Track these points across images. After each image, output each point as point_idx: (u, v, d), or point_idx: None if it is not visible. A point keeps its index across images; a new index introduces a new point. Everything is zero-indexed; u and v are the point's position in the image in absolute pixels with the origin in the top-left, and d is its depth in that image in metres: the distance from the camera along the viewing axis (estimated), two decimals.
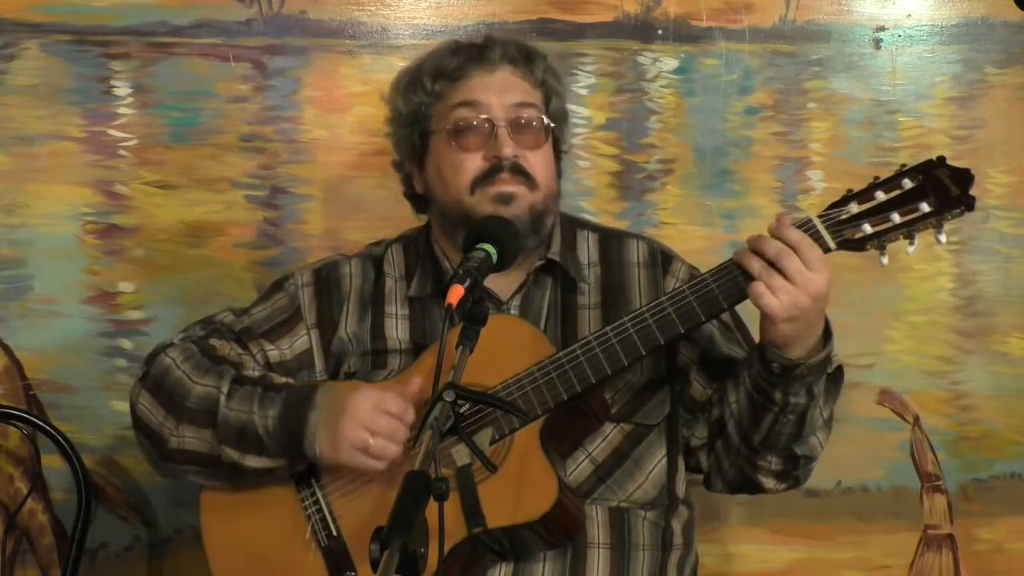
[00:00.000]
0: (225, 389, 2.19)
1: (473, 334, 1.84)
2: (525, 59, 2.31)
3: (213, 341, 2.30)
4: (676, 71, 2.94)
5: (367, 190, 2.87)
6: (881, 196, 2.03)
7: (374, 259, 2.40)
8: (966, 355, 2.99)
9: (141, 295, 2.87)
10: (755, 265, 2.02)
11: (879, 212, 2.02)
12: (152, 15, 2.84)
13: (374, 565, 1.49)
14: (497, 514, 2.09)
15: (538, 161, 2.25)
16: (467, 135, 2.25)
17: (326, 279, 2.38)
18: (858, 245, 2.04)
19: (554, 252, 2.31)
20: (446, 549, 1.96)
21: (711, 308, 2.10)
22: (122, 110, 2.85)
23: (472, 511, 2.09)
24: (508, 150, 2.21)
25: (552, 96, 2.35)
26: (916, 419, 2.99)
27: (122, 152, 2.86)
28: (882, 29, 2.97)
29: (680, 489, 2.32)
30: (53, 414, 2.84)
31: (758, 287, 2.01)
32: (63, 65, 2.83)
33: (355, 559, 2.18)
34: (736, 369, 2.22)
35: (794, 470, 2.25)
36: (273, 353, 2.32)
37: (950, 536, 3.00)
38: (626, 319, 2.13)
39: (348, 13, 2.89)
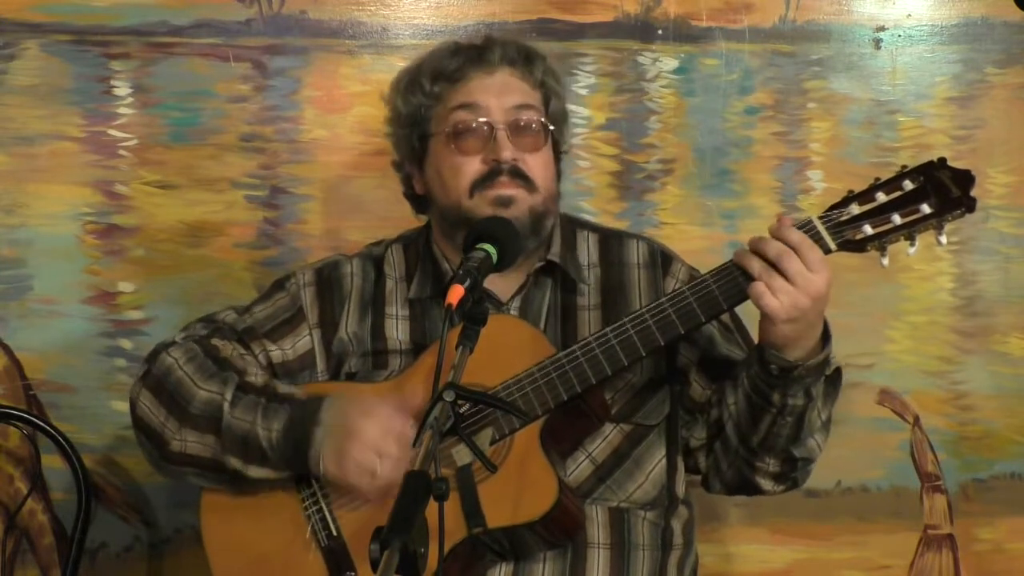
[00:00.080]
0: (229, 396, 2.18)
1: (473, 334, 1.84)
2: (524, 60, 2.31)
3: (216, 341, 2.30)
4: (676, 71, 2.94)
5: (367, 190, 2.87)
6: (882, 197, 2.03)
7: (374, 259, 2.40)
8: (966, 355, 2.99)
9: (141, 295, 2.87)
10: (755, 266, 2.02)
11: (880, 213, 2.02)
12: (152, 15, 2.84)
13: (374, 565, 1.49)
14: (497, 514, 2.09)
15: (537, 164, 2.25)
16: (466, 138, 2.24)
17: (327, 278, 2.38)
18: (859, 246, 2.04)
19: (554, 253, 2.31)
20: (446, 549, 1.96)
21: (711, 309, 2.10)
22: (122, 110, 2.85)
23: (472, 511, 2.09)
24: (507, 153, 2.21)
25: (551, 97, 2.35)
26: (916, 419, 2.99)
27: (122, 152, 2.86)
28: (882, 29, 2.97)
29: (680, 489, 2.32)
30: (53, 414, 2.84)
31: (758, 287, 2.01)
32: (63, 65, 2.83)
33: (355, 559, 2.17)
34: (735, 370, 2.22)
35: (792, 472, 2.25)
36: (275, 353, 2.32)
37: (950, 536, 3.00)
38: (626, 320, 2.13)
39: (348, 13, 2.89)
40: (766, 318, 2.03)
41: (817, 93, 2.96)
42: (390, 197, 2.57)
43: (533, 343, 2.17)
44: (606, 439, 2.23)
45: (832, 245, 2.04)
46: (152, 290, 2.87)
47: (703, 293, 2.10)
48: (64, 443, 2.72)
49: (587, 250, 2.36)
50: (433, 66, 2.30)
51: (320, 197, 2.89)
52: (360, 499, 2.15)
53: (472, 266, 1.90)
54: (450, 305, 1.81)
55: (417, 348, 2.28)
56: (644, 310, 2.13)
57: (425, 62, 2.33)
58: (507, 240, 2.02)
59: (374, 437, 2.07)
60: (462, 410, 1.74)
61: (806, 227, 2.04)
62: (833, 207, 2.05)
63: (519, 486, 2.10)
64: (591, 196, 2.92)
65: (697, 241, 2.91)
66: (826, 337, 2.10)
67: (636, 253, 2.36)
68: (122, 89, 2.85)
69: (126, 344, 2.86)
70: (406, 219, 2.46)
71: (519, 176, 2.22)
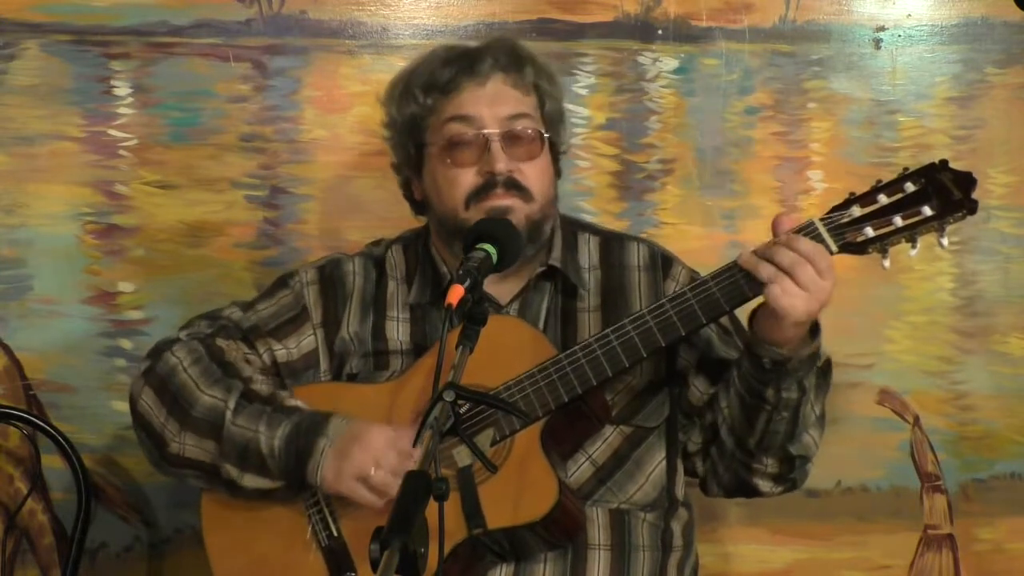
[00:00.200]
0: (232, 404, 2.18)
1: (473, 334, 1.83)
2: (516, 65, 2.29)
3: (220, 342, 2.29)
4: (676, 71, 2.93)
5: (367, 190, 2.87)
6: (883, 199, 2.03)
7: (375, 259, 2.40)
8: (966, 355, 2.99)
9: (141, 295, 2.87)
10: (765, 270, 2.02)
11: (881, 215, 2.03)
12: (152, 15, 2.84)
13: (374, 565, 1.49)
14: (498, 515, 2.09)
15: (533, 172, 2.24)
16: (460, 150, 2.24)
17: (330, 277, 2.38)
18: (860, 248, 2.04)
19: (555, 258, 2.30)
20: (447, 550, 1.97)
21: (712, 311, 2.10)
22: (122, 110, 2.85)
23: (473, 512, 2.10)
24: (501, 165, 2.21)
25: (546, 99, 2.34)
26: (916, 419, 2.99)
27: (122, 152, 2.86)
28: (882, 29, 2.97)
29: (679, 491, 2.32)
30: (53, 414, 2.84)
31: (775, 289, 2.01)
32: (63, 65, 2.83)
33: (355, 559, 2.18)
34: (727, 374, 2.22)
35: (790, 472, 2.26)
36: (280, 352, 2.32)
37: (950, 536, 3.00)
38: (627, 321, 2.13)
39: (348, 13, 2.88)
40: (776, 318, 2.03)
41: (817, 93, 2.96)
42: (390, 197, 2.56)
43: (534, 344, 2.17)
44: (606, 441, 2.23)
45: (834, 247, 2.04)
46: (152, 290, 2.87)
47: (704, 295, 2.10)
48: (64, 443, 2.72)
49: (588, 252, 2.36)
50: (425, 76, 2.29)
51: (320, 197, 2.89)
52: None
53: (472, 266, 1.89)
54: (450, 305, 1.81)
55: (418, 349, 2.28)
56: (645, 311, 2.13)
57: (417, 71, 2.32)
58: (507, 240, 2.01)
59: (377, 448, 2.07)
60: (462, 411, 1.74)
61: (808, 229, 2.04)
62: (834, 209, 2.05)
63: (520, 487, 2.10)
64: (591, 196, 2.92)
65: (697, 241, 2.91)
66: (815, 329, 2.10)
67: (636, 255, 2.36)
68: (122, 89, 2.85)
69: (126, 344, 2.86)
70: (406, 219, 2.45)
71: (515, 187, 2.21)
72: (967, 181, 2.02)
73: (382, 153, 2.52)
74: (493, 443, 2.13)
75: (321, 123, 2.88)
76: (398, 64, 2.48)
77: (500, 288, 2.27)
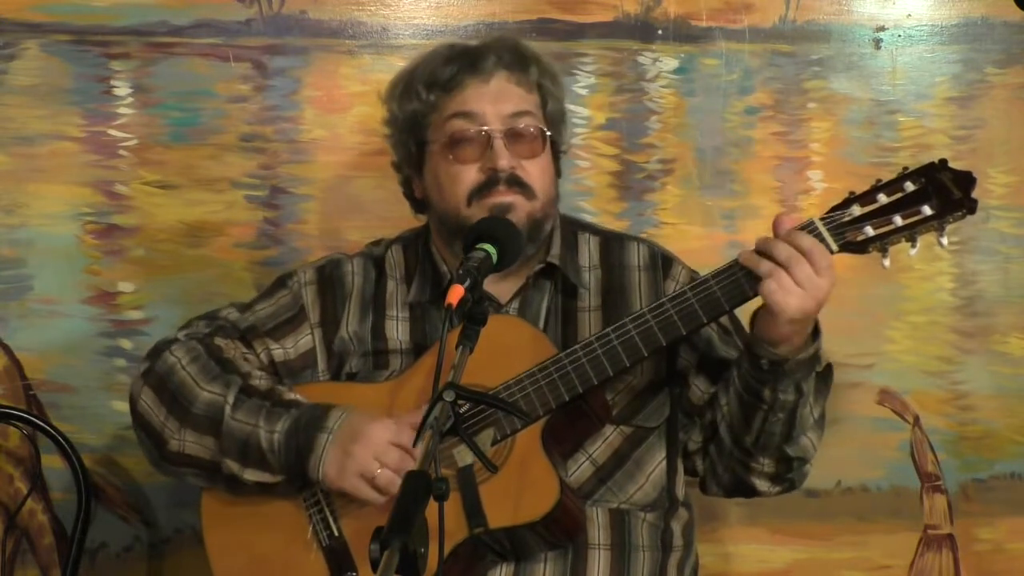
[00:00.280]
0: (231, 399, 2.18)
1: (473, 334, 1.83)
2: (519, 64, 2.30)
3: (219, 341, 2.30)
4: (676, 71, 2.93)
5: (367, 190, 2.87)
6: (883, 199, 2.03)
7: (375, 259, 2.40)
8: (966, 355, 2.99)
9: (141, 295, 2.87)
10: (764, 266, 2.02)
11: (881, 215, 2.03)
12: (152, 15, 2.84)
13: (374, 565, 1.49)
14: (499, 514, 2.09)
15: (535, 170, 2.24)
16: (463, 147, 2.24)
17: (329, 277, 2.38)
18: (860, 247, 2.04)
19: (554, 256, 2.30)
20: (448, 549, 1.97)
21: (712, 310, 2.10)
22: (122, 110, 2.85)
23: (473, 511, 2.10)
24: (504, 162, 2.21)
25: (548, 99, 2.34)
26: (916, 419, 2.99)
27: (122, 152, 2.86)
28: (882, 29, 2.97)
29: (680, 491, 2.32)
30: (53, 414, 2.84)
31: (771, 285, 2.00)
32: (63, 65, 2.83)
33: (356, 559, 2.18)
34: (728, 371, 2.22)
35: (787, 472, 2.26)
36: (278, 352, 2.32)
37: (950, 536, 3.00)
38: (627, 320, 2.13)
39: (348, 13, 2.88)
40: (771, 315, 2.03)
41: (817, 93, 2.96)
42: (390, 197, 2.57)
43: (534, 343, 2.17)
44: (606, 441, 2.23)
45: (834, 246, 2.04)
46: (152, 290, 2.87)
47: (705, 294, 2.10)
48: (64, 443, 2.73)
49: (588, 252, 2.36)
50: (428, 73, 2.29)
51: (320, 197, 2.89)
52: (360, 500, 2.15)
53: (472, 266, 1.89)
54: (450, 305, 1.80)
55: (418, 348, 2.28)
56: (646, 310, 2.13)
57: (419, 68, 2.32)
58: (507, 240, 2.01)
59: (378, 444, 2.07)
60: (463, 410, 1.74)
61: (808, 228, 2.04)
62: (835, 208, 2.05)
63: (520, 486, 2.10)
64: (591, 196, 2.92)
65: (697, 241, 2.91)
66: (815, 332, 2.10)
67: (637, 255, 2.36)
68: (122, 89, 2.85)
69: (126, 344, 2.86)
70: (406, 219, 2.45)
71: (517, 184, 2.22)
72: (967, 180, 2.02)
73: (382, 153, 2.52)
74: (494, 443, 2.13)
75: (321, 123, 2.88)
76: (398, 64, 2.48)
77: (499, 287, 2.27)
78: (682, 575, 2.29)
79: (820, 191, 2.93)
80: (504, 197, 2.20)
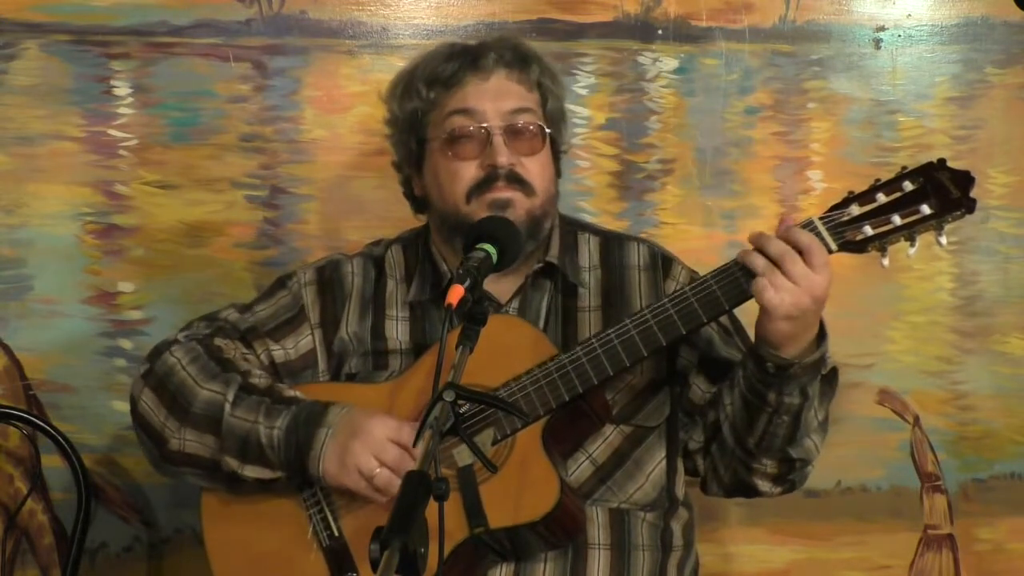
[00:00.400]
0: (231, 397, 2.18)
1: (473, 334, 1.83)
2: (520, 62, 2.30)
3: (218, 341, 2.30)
4: (676, 71, 2.94)
5: (367, 190, 2.87)
6: (882, 198, 2.03)
7: (375, 259, 2.40)
8: (966, 355, 2.99)
9: (141, 295, 2.87)
10: (759, 263, 2.02)
11: (880, 214, 2.02)
12: (152, 15, 2.84)
13: (374, 565, 1.49)
14: (499, 514, 2.09)
15: (534, 167, 2.25)
16: (463, 144, 2.24)
17: (329, 278, 2.38)
18: (859, 247, 2.04)
19: (552, 255, 2.30)
20: (448, 549, 1.98)
21: (712, 309, 2.10)
22: (122, 110, 2.85)
23: (474, 511, 2.10)
24: (503, 158, 2.21)
25: (548, 97, 2.34)
26: (916, 419, 2.99)
27: (122, 152, 2.86)
28: (882, 29, 2.97)
29: (680, 491, 2.32)
30: (53, 414, 2.84)
31: (761, 282, 2.00)
32: (63, 65, 2.83)
33: (356, 559, 2.18)
34: (732, 371, 2.22)
35: (789, 474, 2.25)
36: (278, 352, 2.32)
37: (950, 536, 3.00)
38: (627, 320, 2.13)
39: (348, 13, 2.88)
40: (765, 314, 2.03)
41: (817, 93, 2.96)
42: (390, 197, 2.57)
43: (534, 343, 2.17)
44: (606, 440, 2.23)
45: (833, 246, 2.04)
46: (152, 290, 2.87)
47: (704, 293, 2.10)
48: (64, 443, 2.73)
49: (588, 252, 2.36)
50: (428, 71, 2.29)
51: (320, 197, 2.89)
52: (359, 497, 2.15)
53: (472, 266, 1.89)
54: (450, 305, 1.81)
55: (418, 348, 2.28)
56: (646, 310, 2.13)
57: (420, 66, 2.32)
58: (507, 240, 2.01)
59: (377, 441, 2.07)
60: (463, 410, 1.74)
61: (807, 227, 2.04)
62: (834, 208, 2.05)
63: (521, 486, 2.10)
64: (591, 196, 2.92)
65: (697, 241, 2.91)
66: (822, 336, 2.10)
67: (637, 255, 2.36)
68: (122, 89, 2.85)
69: (126, 344, 2.86)
70: (406, 219, 2.46)
71: (516, 180, 2.22)
72: (965, 180, 2.01)
73: (382, 153, 2.52)
74: (494, 442, 2.13)
75: (321, 123, 2.88)
76: (398, 64, 2.48)
77: (498, 286, 2.27)
78: (682, 575, 2.29)
79: (820, 191, 2.93)
80: (503, 193, 2.20)
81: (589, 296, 2.31)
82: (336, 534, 2.20)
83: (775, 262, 2.00)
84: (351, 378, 2.30)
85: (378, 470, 2.06)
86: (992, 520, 3.01)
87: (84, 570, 2.78)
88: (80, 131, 2.85)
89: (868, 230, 2.03)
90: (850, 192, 2.06)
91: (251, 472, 2.17)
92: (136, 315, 2.87)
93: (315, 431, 2.12)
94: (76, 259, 2.86)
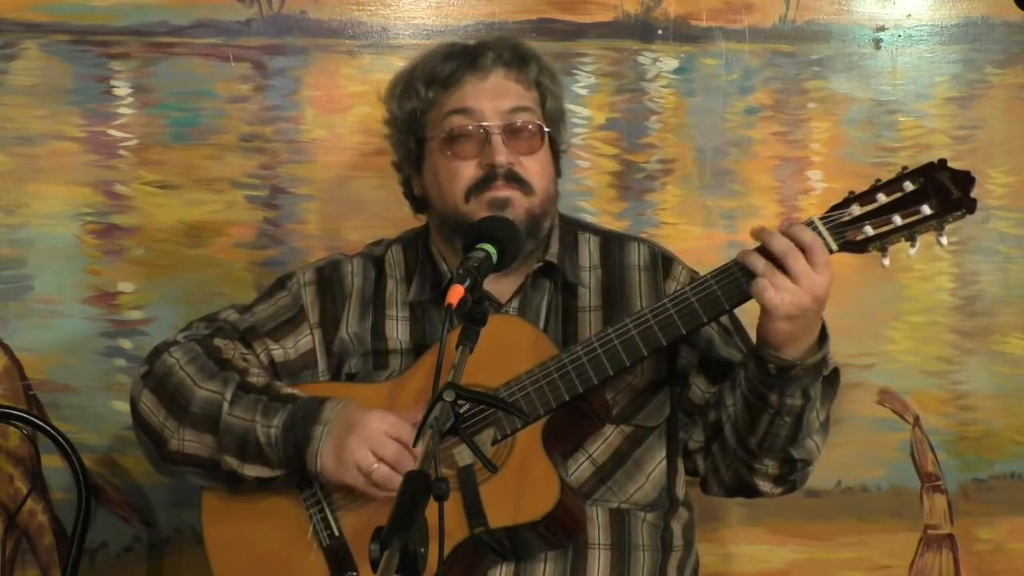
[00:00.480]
0: (229, 396, 2.18)
1: (473, 334, 1.83)
2: (518, 61, 2.30)
3: (218, 341, 2.30)
4: (676, 71, 2.94)
5: (367, 190, 2.87)
6: (882, 198, 2.03)
7: (375, 259, 2.40)
8: (966, 355, 2.99)
9: (141, 295, 2.87)
10: (759, 264, 2.02)
11: (881, 214, 2.02)
12: (152, 15, 2.84)
13: (374, 565, 1.49)
14: (499, 514, 2.09)
15: (533, 166, 2.24)
16: (461, 143, 2.24)
17: (328, 278, 2.38)
18: (860, 247, 2.04)
19: (552, 255, 2.30)
20: (448, 549, 1.98)
21: (712, 309, 2.10)
22: (122, 110, 2.85)
23: (474, 511, 2.09)
24: (501, 158, 2.21)
25: (547, 96, 2.34)
26: (916, 419, 2.99)
27: (122, 152, 2.86)
28: (882, 29, 2.97)
29: (680, 491, 2.32)
30: (53, 414, 2.84)
31: (761, 282, 2.00)
32: (63, 65, 2.83)
33: (357, 559, 2.18)
34: (734, 372, 2.21)
35: (790, 474, 2.25)
36: (277, 352, 2.32)
37: (950, 536, 3.00)
38: (628, 320, 2.13)
39: (348, 13, 2.88)
40: (766, 314, 2.03)
41: (817, 93, 2.96)
42: (390, 197, 2.57)
43: (535, 343, 2.17)
44: (607, 440, 2.23)
45: (834, 246, 2.04)
46: (152, 290, 2.87)
47: (705, 293, 2.09)
48: (64, 443, 2.73)
49: (588, 252, 2.36)
50: (427, 71, 2.29)
51: (320, 197, 2.89)
52: (359, 496, 2.15)
53: (472, 266, 1.89)
54: (450, 305, 1.81)
55: (418, 348, 2.28)
56: (646, 310, 2.12)
57: (419, 66, 2.32)
58: (507, 240, 2.01)
59: (374, 436, 2.07)
60: (463, 410, 1.74)
61: (808, 228, 2.04)
62: (834, 208, 2.05)
63: (521, 486, 2.10)
64: (591, 196, 2.92)
65: (697, 241, 2.91)
66: (823, 337, 2.10)
67: (637, 255, 2.36)
68: (122, 89, 2.85)
69: (126, 344, 2.86)
70: (406, 219, 2.46)
71: (515, 180, 2.22)
72: (966, 180, 2.01)
73: (382, 153, 2.52)
74: (494, 442, 2.13)
75: (321, 123, 2.88)
76: (398, 64, 2.48)
77: (498, 286, 2.27)
78: (682, 575, 2.29)
79: (820, 191, 2.93)
80: (502, 192, 2.20)
81: (589, 296, 2.31)
82: (336, 534, 2.20)
83: (778, 258, 2.00)
84: (351, 378, 2.30)
85: (376, 465, 2.06)
86: (992, 520, 3.01)
87: (84, 570, 2.78)
88: (80, 131, 2.85)
89: (869, 230, 2.03)
90: (850, 192, 2.06)
91: (250, 471, 2.17)
92: (136, 315, 2.87)
93: (312, 428, 2.12)
94: (76, 259, 2.86)
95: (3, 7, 2.81)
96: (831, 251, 2.03)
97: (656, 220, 2.93)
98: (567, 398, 2.13)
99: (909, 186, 2.02)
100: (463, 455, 2.12)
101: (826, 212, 2.06)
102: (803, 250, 2.00)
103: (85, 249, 2.86)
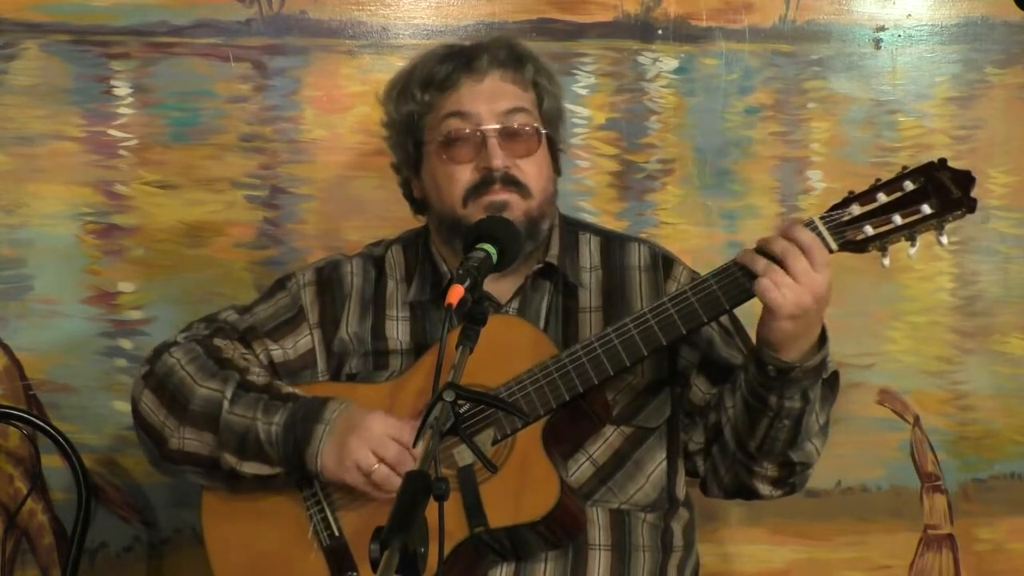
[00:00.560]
0: (229, 394, 2.18)
1: (473, 334, 1.83)
2: (514, 62, 2.30)
3: (218, 341, 2.30)
4: (676, 71, 2.94)
5: (367, 190, 2.87)
6: (883, 198, 2.03)
7: (375, 259, 2.40)
8: (966, 355, 2.99)
9: (141, 295, 2.87)
10: (759, 264, 2.02)
11: (881, 214, 2.02)
12: (152, 15, 2.84)
13: (374, 565, 1.49)
14: (499, 514, 2.09)
15: (531, 168, 2.24)
16: (458, 147, 2.24)
17: (328, 278, 2.38)
18: (860, 247, 2.04)
19: (552, 256, 2.30)
20: (448, 549, 1.98)
21: (713, 309, 2.10)
22: (122, 110, 2.85)
23: (474, 511, 2.09)
24: (498, 161, 2.20)
25: (544, 96, 2.33)
26: (916, 419, 2.99)
27: (122, 152, 2.86)
28: (882, 29, 2.97)
29: (680, 492, 2.32)
30: (53, 414, 2.85)
31: (764, 282, 2.00)
32: (63, 65, 2.83)
33: (357, 559, 2.17)
34: (734, 374, 2.21)
35: (790, 477, 2.25)
36: (277, 353, 2.32)
37: (950, 536, 3.00)
38: (628, 320, 2.13)
39: (348, 13, 2.88)
40: (768, 313, 2.02)
41: (817, 93, 2.96)
42: (390, 197, 2.56)
43: (535, 343, 2.17)
44: (607, 441, 2.23)
45: (834, 245, 2.04)
46: (152, 290, 2.87)
47: (705, 293, 2.09)
48: (64, 443, 2.73)
49: (588, 252, 2.36)
50: (423, 73, 2.29)
51: (320, 197, 2.89)
52: (359, 496, 2.15)
53: (472, 266, 1.89)
54: (450, 305, 1.81)
55: (418, 348, 2.28)
56: (646, 310, 2.12)
57: (415, 69, 2.31)
58: (507, 240, 2.01)
59: (375, 437, 2.07)
60: (463, 410, 1.74)
61: (808, 227, 2.04)
62: (834, 207, 2.05)
63: (521, 486, 2.10)
64: (591, 196, 2.92)
65: (697, 241, 2.91)
66: (823, 339, 2.10)
67: (637, 256, 2.36)
68: (122, 89, 2.85)
69: (126, 344, 2.86)
70: (406, 219, 2.45)
71: (512, 183, 2.21)
72: (966, 179, 2.02)
73: (382, 153, 2.52)
74: (494, 442, 2.13)
75: (321, 123, 2.88)
76: (398, 64, 2.47)
77: (498, 286, 2.27)
78: (683, 575, 2.29)
79: (820, 191, 2.93)
80: (499, 196, 2.20)
81: (589, 296, 2.31)
82: (336, 534, 2.20)
83: (779, 260, 2.00)
84: (351, 378, 2.30)
85: (376, 466, 2.07)
86: (992, 520, 3.01)
87: (84, 570, 2.78)
88: (80, 131, 2.85)
89: (869, 230, 2.03)
90: (850, 192, 2.06)
91: (249, 468, 2.17)
92: (136, 315, 2.87)
93: (313, 427, 2.12)
94: (76, 259, 2.86)
95: (3, 7, 2.81)
96: (831, 251, 2.03)
97: (656, 220, 2.93)
98: (567, 398, 2.13)
99: (909, 186, 2.02)
100: (463, 455, 2.12)
101: (826, 212, 2.06)
102: (803, 250, 2.00)
103: (85, 249, 2.86)
